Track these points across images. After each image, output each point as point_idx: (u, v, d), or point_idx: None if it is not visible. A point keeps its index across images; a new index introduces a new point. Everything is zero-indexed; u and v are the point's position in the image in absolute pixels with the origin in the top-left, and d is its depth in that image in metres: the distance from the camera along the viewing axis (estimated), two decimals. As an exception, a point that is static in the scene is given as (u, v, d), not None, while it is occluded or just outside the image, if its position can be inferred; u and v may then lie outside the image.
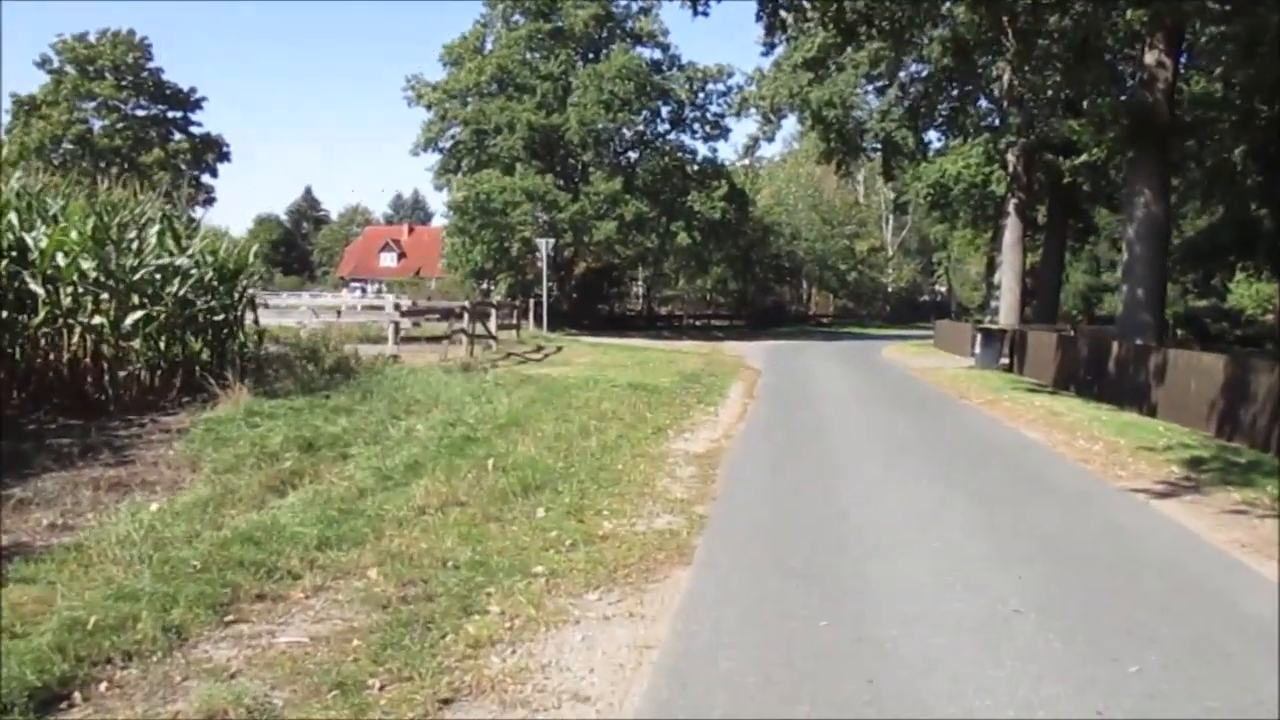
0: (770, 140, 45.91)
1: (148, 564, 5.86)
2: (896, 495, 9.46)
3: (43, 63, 65.15)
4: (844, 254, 74.26)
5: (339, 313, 21.32)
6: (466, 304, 25.10)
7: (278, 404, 11.94)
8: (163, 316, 12.97)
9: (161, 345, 13.16)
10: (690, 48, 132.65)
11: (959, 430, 14.80)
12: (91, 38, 65.08)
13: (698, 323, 63.10)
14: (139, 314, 12.39)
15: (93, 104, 64.96)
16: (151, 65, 67.13)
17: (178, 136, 68.22)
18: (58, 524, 7.01)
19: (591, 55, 47.74)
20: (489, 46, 47.65)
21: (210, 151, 69.67)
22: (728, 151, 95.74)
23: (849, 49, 40.53)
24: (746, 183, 58.84)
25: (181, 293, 13.30)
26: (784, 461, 11.38)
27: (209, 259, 14.12)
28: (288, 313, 21.18)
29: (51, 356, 11.86)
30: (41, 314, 11.70)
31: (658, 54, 48.78)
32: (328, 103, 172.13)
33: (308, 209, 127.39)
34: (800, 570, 6.65)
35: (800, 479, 10.21)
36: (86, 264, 12.05)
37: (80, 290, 12.03)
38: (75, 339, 11.93)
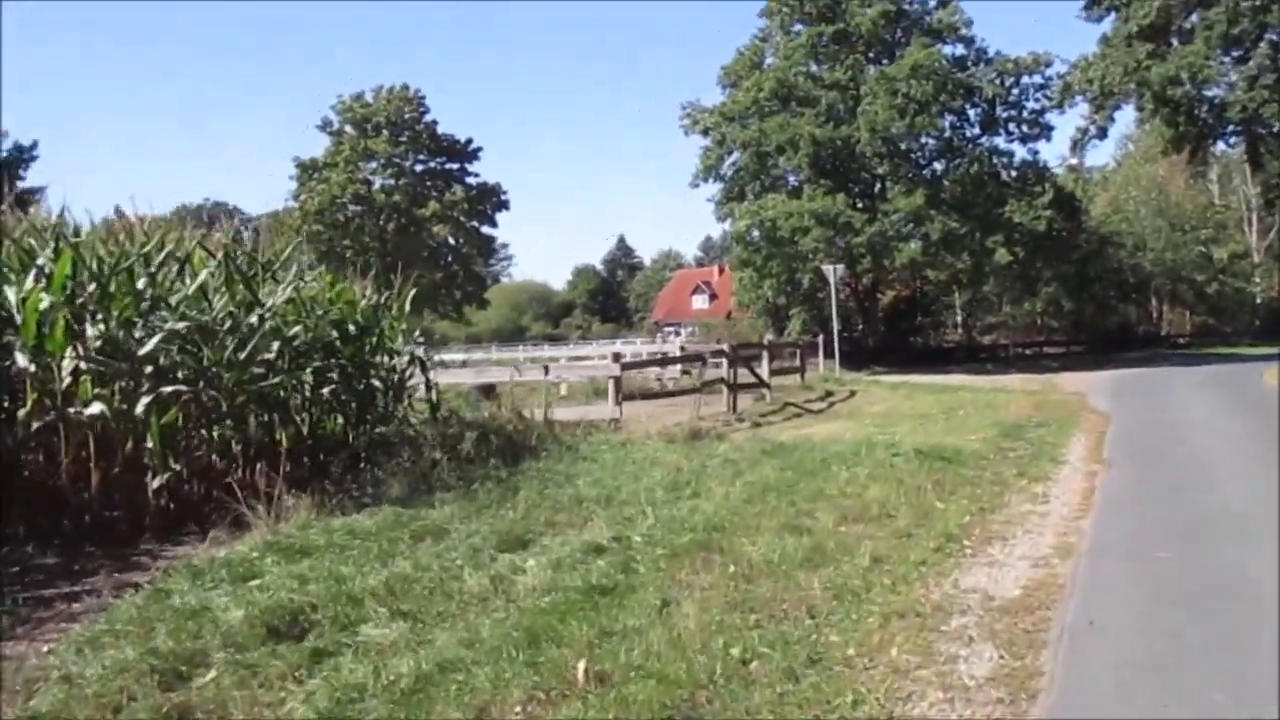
0: (1103, 135, 38.64)
1: None
2: None
3: (324, 125, 67.18)
4: (1200, 263, 63.89)
5: (546, 369, 17.41)
6: (724, 347, 20.70)
7: (343, 524, 7.92)
8: (202, 397, 9.16)
9: (215, 435, 9.46)
10: (1000, 39, 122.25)
11: None
12: (368, 96, 66.40)
13: (1027, 351, 55.44)
14: (151, 397, 8.58)
15: (373, 163, 65.58)
16: (427, 119, 67.62)
17: (456, 189, 67.87)
18: None
19: (884, 60, 42.39)
20: (768, 62, 43.42)
21: (486, 201, 69.25)
22: (1050, 155, 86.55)
23: (1197, 10, 33.58)
24: (1076, 187, 51.19)
25: (244, 358, 9.51)
26: (1183, 626, 5.96)
27: (314, 311, 10.44)
28: (485, 370, 17.57)
29: (57, 459, 8.40)
30: (29, 402, 8.34)
31: (960, 49, 42.76)
32: (635, 154, 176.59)
33: (621, 257, 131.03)
34: None
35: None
36: (92, 329, 8.58)
37: (82, 366, 8.51)
38: (75, 435, 8.41)
